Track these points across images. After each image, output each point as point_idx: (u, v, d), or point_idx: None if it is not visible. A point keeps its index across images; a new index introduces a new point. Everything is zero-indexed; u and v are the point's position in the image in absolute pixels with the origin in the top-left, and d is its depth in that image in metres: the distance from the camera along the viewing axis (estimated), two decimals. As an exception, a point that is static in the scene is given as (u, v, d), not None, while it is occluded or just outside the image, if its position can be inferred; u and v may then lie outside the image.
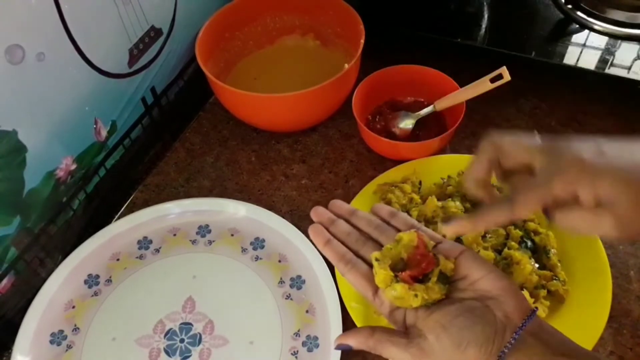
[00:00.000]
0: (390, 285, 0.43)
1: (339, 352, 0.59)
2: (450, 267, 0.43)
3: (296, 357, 0.60)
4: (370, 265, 0.45)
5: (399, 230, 0.47)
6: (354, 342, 0.44)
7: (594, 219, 0.40)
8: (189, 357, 0.61)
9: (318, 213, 0.49)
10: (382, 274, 0.43)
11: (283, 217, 0.70)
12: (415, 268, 0.43)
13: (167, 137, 0.84)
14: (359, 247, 0.47)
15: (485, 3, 0.87)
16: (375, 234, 0.48)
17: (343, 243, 0.48)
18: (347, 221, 0.49)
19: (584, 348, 0.42)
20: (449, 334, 0.40)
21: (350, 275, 0.46)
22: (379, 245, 0.47)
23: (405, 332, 0.43)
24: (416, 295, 0.42)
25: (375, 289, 0.45)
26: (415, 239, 0.44)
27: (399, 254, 0.44)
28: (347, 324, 0.61)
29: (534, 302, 0.58)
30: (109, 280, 0.67)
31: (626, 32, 0.79)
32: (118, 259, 0.69)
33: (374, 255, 0.44)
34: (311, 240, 0.49)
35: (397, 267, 0.44)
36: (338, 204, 0.51)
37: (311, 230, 0.48)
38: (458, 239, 0.62)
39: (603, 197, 0.39)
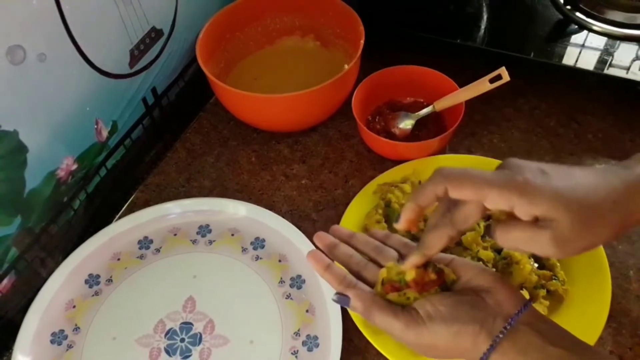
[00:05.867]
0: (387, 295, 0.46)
1: (339, 351, 0.59)
2: (452, 278, 0.46)
3: (296, 357, 0.61)
4: (371, 286, 0.47)
5: (395, 250, 0.50)
6: (354, 295, 0.45)
7: (534, 236, 0.40)
8: (189, 356, 0.61)
9: (321, 238, 0.51)
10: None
11: (283, 217, 0.70)
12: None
13: (167, 137, 0.84)
14: (361, 268, 0.49)
15: (484, 4, 0.87)
16: (373, 254, 0.50)
17: (346, 266, 0.50)
18: (348, 244, 0.51)
19: (585, 342, 0.42)
20: (438, 311, 0.43)
21: (351, 295, 0.47)
22: (380, 266, 0.49)
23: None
24: (408, 298, 0.45)
25: None
26: (414, 274, 0.46)
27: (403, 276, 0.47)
28: (347, 323, 0.61)
29: (533, 303, 0.58)
30: (109, 280, 0.67)
31: (625, 32, 0.79)
32: (119, 259, 0.69)
33: (381, 274, 0.46)
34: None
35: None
36: (337, 228, 0.53)
37: (310, 256, 0.49)
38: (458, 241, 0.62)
39: (541, 216, 0.39)
